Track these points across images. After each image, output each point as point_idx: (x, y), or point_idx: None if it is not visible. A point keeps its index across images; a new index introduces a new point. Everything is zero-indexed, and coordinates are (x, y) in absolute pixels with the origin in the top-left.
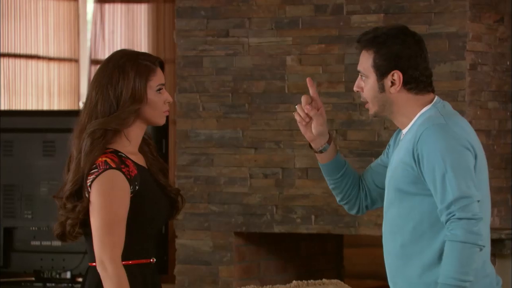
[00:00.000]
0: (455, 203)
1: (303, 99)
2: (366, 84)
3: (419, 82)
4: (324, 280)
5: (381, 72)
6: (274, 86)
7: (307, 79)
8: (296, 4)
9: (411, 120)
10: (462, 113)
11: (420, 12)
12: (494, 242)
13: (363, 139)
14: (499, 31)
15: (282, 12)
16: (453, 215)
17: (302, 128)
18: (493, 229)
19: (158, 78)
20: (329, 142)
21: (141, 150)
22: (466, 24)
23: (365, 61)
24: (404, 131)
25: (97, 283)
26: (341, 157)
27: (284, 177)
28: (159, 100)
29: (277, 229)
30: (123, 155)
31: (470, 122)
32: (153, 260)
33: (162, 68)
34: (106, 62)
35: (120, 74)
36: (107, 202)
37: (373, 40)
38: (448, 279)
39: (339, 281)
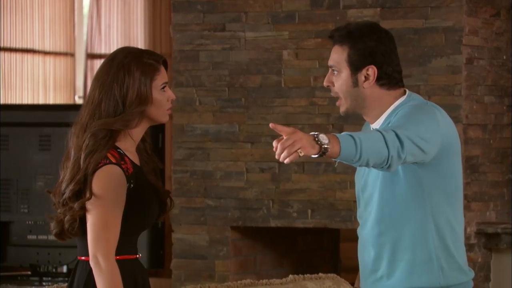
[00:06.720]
0: (405, 140)
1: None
2: (338, 79)
3: (391, 79)
4: (320, 274)
5: (355, 66)
6: (270, 81)
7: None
8: None
9: (383, 112)
10: (458, 107)
11: (417, 6)
12: (491, 236)
13: None
14: (496, 25)
15: (278, 6)
16: (400, 141)
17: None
18: (489, 223)
19: (162, 76)
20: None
21: (136, 148)
22: (462, 18)
23: (338, 56)
24: (374, 125)
25: (86, 276)
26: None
27: (280, 171)
28: (163, 99)
29: (273, 223)
30: (121, 152)
31: (466, 117)
32: (139, 255)
33: (166, 66)
34: (110, 60)
35: (125, 73)
36: (105, 197)
37: (347, 35)
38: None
39: (335, 275)
